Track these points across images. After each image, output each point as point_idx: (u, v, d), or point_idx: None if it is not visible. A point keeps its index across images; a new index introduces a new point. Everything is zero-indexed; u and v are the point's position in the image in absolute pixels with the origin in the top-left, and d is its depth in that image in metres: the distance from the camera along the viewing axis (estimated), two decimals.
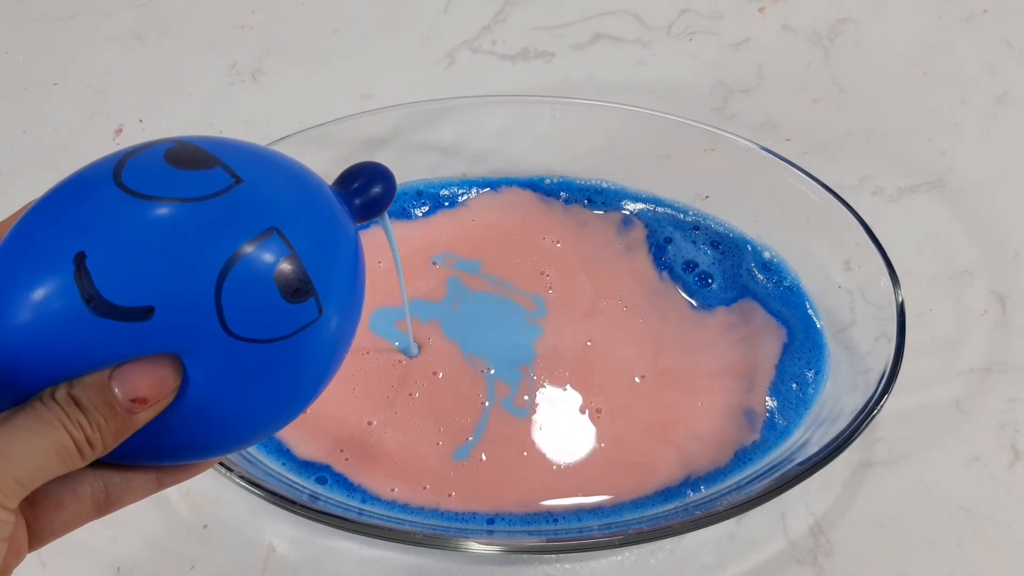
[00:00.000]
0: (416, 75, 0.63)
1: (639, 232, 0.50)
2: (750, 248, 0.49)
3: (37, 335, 0.21)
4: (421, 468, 0.41)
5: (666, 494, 0.41)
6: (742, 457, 0.42)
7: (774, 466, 0.40)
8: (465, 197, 0.52)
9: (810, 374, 0.44)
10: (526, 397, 0.44)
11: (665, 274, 0.49)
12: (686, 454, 0.42)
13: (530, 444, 0.42)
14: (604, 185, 0.52)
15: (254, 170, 0.24)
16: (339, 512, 0.38)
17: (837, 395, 0.42)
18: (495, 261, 0.50)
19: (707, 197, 0.51)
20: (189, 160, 0.23)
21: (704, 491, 0.40)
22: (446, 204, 0.52)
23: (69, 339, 0.21)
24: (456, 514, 0.40)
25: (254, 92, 0.62)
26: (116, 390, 0.22)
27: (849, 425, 0.38)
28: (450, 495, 0.41)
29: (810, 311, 0.46)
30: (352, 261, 0.26)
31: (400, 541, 0.37)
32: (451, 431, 0.42)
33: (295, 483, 0.40)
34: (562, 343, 0.46)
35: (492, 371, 0.45)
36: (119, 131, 0.60)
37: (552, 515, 0.40)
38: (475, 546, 0.36)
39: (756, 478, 0.40)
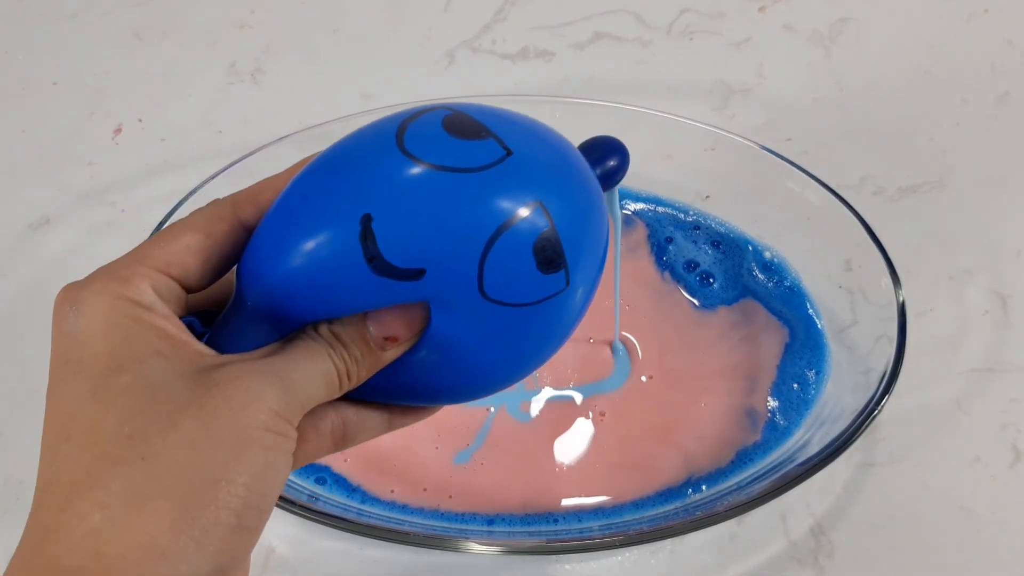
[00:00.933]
0: (416, 74, 0.63)
1: (640, 232, 0.50)
2: (751, 248, 0.49)
3: (317, 281, 0.23)
4: (420, 471, 0.41)
5: (667, 495, 0.40)
6: (743, 457, 0.41)
7: (775, 466, 0.40)
8: None
9: (811, 374, 0.44)
10: (530, 399, 0.44)
11: (667, 274, 0.49)
12: (688, 455, 0.42)
13: (533, 449, 0.42)
14: None
15: (523, 143, 0.25)
16: (338, 513, 0.38)
17: (838, 395, 0.42)
18: None
19: (707, 197, 0.51)
20: (465, 129, 0.25)
21: (705, 491, 0.40)
22: None
23: (346, 289, 0.23)
24: (456, 515, 0.40)
25: (254, 92, 0.62)
26: (371, 328, 0.24)
27: (850, 425, 0.38)
28: (449, 497, 0.40)
29: (811, 311, 0.46)
30: (601, 233, 0.27)
31: (400, 541, 0.37)
32: (451, 437, 0.42)
33: (295, 483, 0.40)
34: (568, 345, 0.46)
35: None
36: (118, 131, 0.60)
37: (552, 515, 0.40)
38: (475, 546, 0.36)
39: (757, 478, 0.40)
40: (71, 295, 0.23)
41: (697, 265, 0.49)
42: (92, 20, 0.68)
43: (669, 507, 0.40)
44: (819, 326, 0.46)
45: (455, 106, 0.26)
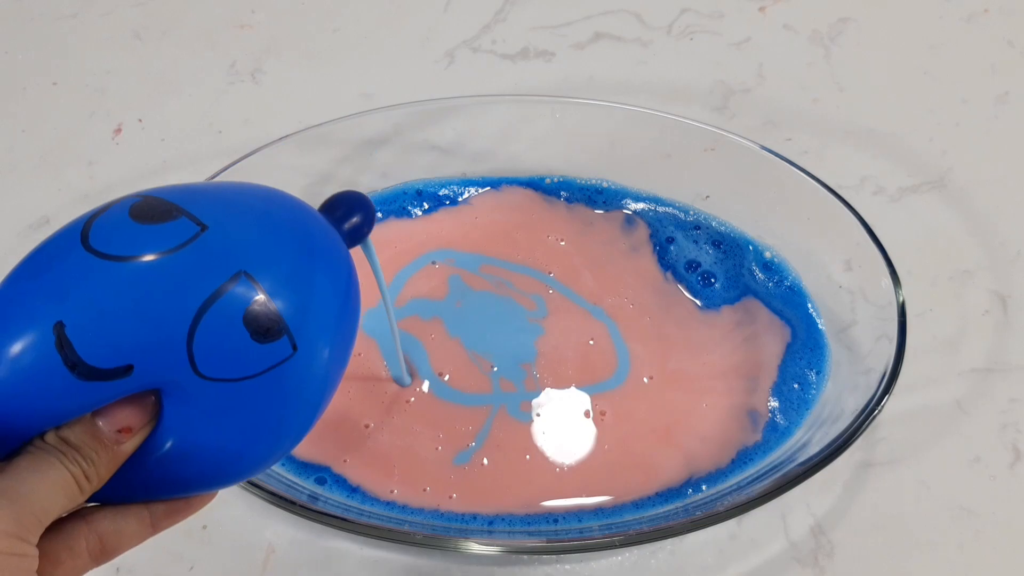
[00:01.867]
0: (416, 74, 0.63)
1: (642, 231, 0.50)
2: (751, 248, 0.49)
3: (25, 397, 0.22)
4: (421, 471, 0.41)
5: (667, 495, 0.40)
6: (743, 457, 0.41)
7: (775, 466, 0.40)
8: (466, 196, 0.52)
9: (812, 374, 0.44)
10: (530, 399, 0.44)
11: (669, 274, 0.49)
12: (689, 455, 0.42)
13: (533, 449, 0.42)
14: (604, 185, 0.52)
15: (220, 214, 0.25)
16: (339, 512, 0.38)
17: (838, 395, 0.42)
18: (497, 259, 0.50)
19: (708, 197, 0.51)
20: (153, 213, 0.24)
21: (705, 491, 0.40)
22: (447, 203, 0.52)
23: (55, 399, 0.23)
24: (456, 515, 0.40)
25: (253, 91, 0.62)
26: (101, 424, 0.23)
27: (850, 425, 0.38)
28: (451, 497, 0.40)
29: (811, 311, 0.46)
30: (336, 290, 0.27)
31: (400, 541, 0.37)
32: (451, 437, 0.42)
33: (295, 483, 0.40)
34: (565, 342, 0.46)
35: (495, 368, 0.45)
36: (118, 131, 0.60)
37: (552, 516, 0.40)
38: (475, 546, 0.36)
39: (757, 478, 0.40)
40: None
41: (698, 265, 0.49)
42: (92, 20, 0.68)
43: (669, 507, 0.40)
44: (819, 326, 0.46)
45: (148, 192, 0.25)
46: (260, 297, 0.24)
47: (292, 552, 0.41)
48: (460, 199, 0.52)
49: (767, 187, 0.48)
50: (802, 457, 0.39)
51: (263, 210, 0.26)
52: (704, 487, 0.41)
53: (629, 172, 0.52)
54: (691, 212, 0.51)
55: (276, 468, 0.41)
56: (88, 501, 0.25)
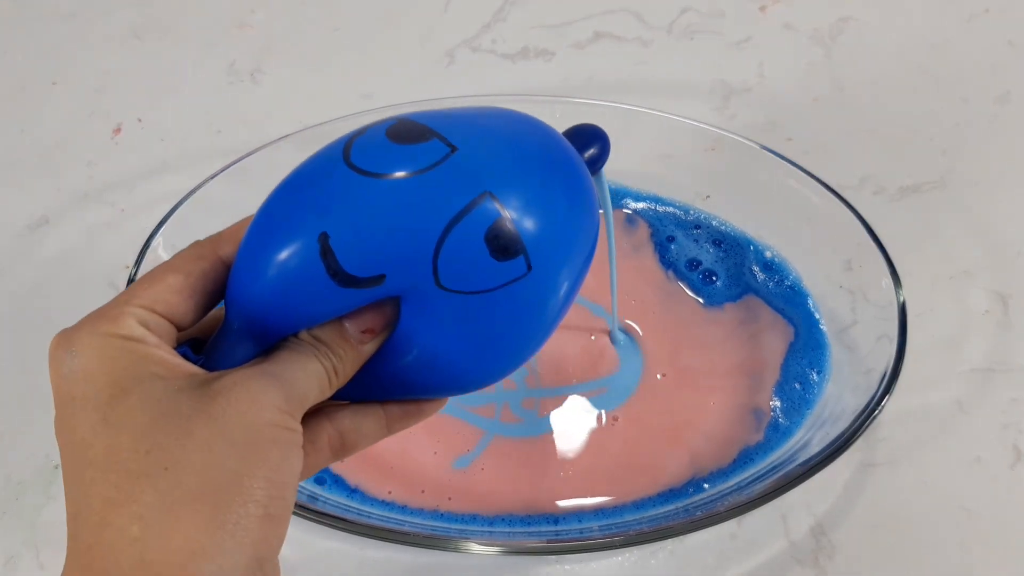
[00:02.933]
0: (416, 74, 0.63)
1: (643, 231, 0.50)
2: (752, 248, 0.49)
3: (291, 299, 0.25)
4: (419, 474, 0.41)
5: (667, 495, 0.40)
6: (744, 457, 0.41)
7: (775, 466, 0.40)
8: None
9: (813, 374, 0.44)
10: (532, 401, 0.44)
11: (671, 273, 0.49)
12: (695, 454, 0.42)
13: (535, 455, 0.42)
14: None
15: (470, 137, 0.26)
16: (338, 513, 0.38)
17: (838, 395, 0.42)
18: None
19: (708, 197, 0.51)
20: (408, 135, 0.26)
21: (706, 491, 0.40)
22: None
23: (317, 302, 0.25)
24: (456, 515, 0.40)
25: (253, 91, 0.62)
26: (348, 326, 0.26)
27: (850, 425, 0.38)
28: (448, 499, 0.40)
29: (812, 310, 0.46)
30: (575, 216, 0.28)
31: (400, 542, 0.37)
32: (450, 444, 0.42)
33: None
34: (568, 341, 0.46)
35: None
36: (117, 131, 0.60)
37: (553, 516, 0.40)
38: (475, 547, 0.36)
39: (757, 478, 0.40)
40: (64, 340, 0.24)
41: (699, 264, 0.49)
42: (91, 20, 0.68)
43: (670, 507, 0.40)
44: (820, 326, 0.45)
45: (405, 115, 0.27)
46: (501, 217, 0.25)
47: (292, 552, 0.41)
48: None
49: (767, 187, 0.48)
50: (802, 457, 0.39)
51: (511, 133, 0.28)
52: (705, 487, 0.40)
53: (629, 172, 0.52)
54: (691, 212, 0.51)
55: None
56: (332, 399, 0.27)
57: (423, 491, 0.41)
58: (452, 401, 0.43)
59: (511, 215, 0.25)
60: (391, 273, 0.25)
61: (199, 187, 0.46)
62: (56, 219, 0.55)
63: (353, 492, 0.40)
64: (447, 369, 0.27)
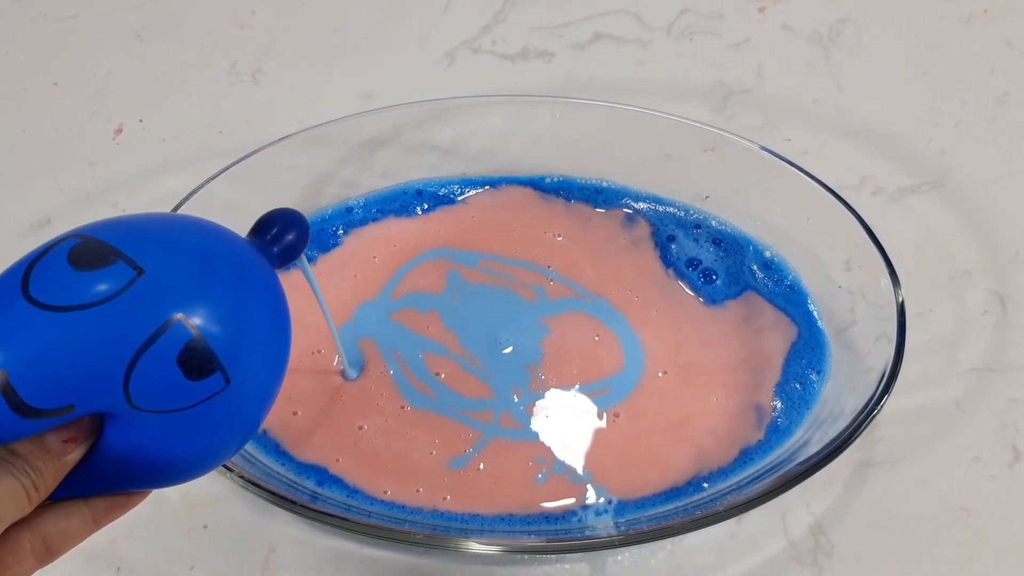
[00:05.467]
0: (416, 75, 0.63)
1: (643, 229, 0.50)
2: (751, 248, 0.49)
3: None
4: (414, 473, 0.41)
5: (667, 494, 0.40)
6: (745, 456, 0.42)
7: (774, 466, 0.40)
8: (465, 196, 0.52)
9: (812, 374, 0.44)
10: (534, 403, 0.44)
11: (671, 271, 0.49)
12: (700, 450, 0.42)
13: (535, 455, 0.42)
14: (604, 185, 0.52)
15: (155, 255, 0.26)
16: (339, 512, 0.38)
17: (837, 395, 0.42)
18: (496, 255, 0.50)
19: (707, 197, 0.51)
20: (91, 258, 0.25)
21: (706, 490, 0.40)
22: (447, 202, 0.52)
23: (5, 432, 0.24)
24: (456, 515, 0.40)
25: (254, 92, 0.62)
26: (49, 436, 0.25)
27: (849, 425, 0.38)
28: (445, 498, 0.40)
29: (812, 310, 0.46)
30: (268, 319, 0.28)
31: (400, 541, 0.37)
32: (448, 444, 0.42)
33: (295, 483, 0.40)
34: (568, 339, 0.46)
35: (495, 376, 0.44)
36: (119, 131, 0.60)
37: (553, 515, 0.40)
38: (475, 546, 0.36)
39: (756, 478, 0.40)
40: None
41: (699, 263, 0.49)
42: (93, 20, 0.68)
43: (669, 506, 0.40)
44: (820, 325, 0.46)
45: (85, 229, 0.26)
46: (193, 339, 0.25)
47: (292, 552, 0.41)
48: (459, 199, 0.52)
49: (767, 187, 0.48)
50: (802, 456, 0.39)
51: (197, 249, 0.27)
52: (705, 486, 0.41)
53: (629, 172, 0.52)
54: (691, 212, 0.51)
55: (277, 468, 0.41)
56: None
57: (419, 490, 0.41)
58: (452, 406, 0.43)
59: (203, 334, 0.25)
60: (80, 402, 0.24)
61: (200, 187, 0.47)
62: (58, 219, 0.55)
63: (353, 492, 0.41)
64: (153, 469, 0.27)
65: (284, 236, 0.31)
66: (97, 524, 0.28)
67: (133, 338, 0.24)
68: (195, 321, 0.25)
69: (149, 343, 0.24)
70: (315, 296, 0.39)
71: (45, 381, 0.24)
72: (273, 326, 0.28)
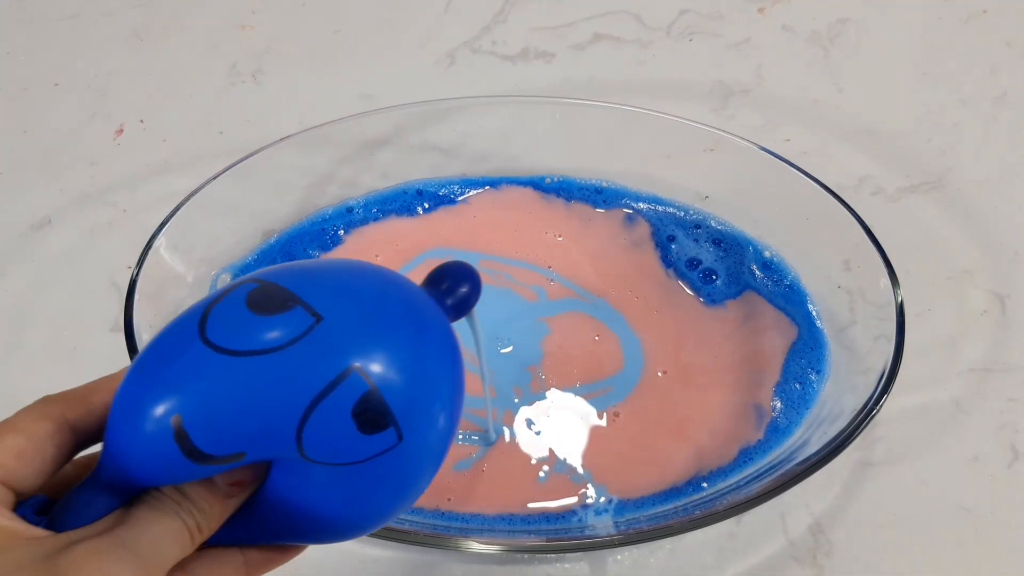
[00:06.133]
0: (416, 75, 0.63)
1: (644, 229, 0.51)
2: (751, 248, 0.49)
3: (145, 470, 0.24)
4: None
5: (667, 494, 0.41)
6: (745, 456, 0.42)
7: (774, 465, 0.40)
8: (466, 196, 0.53)
9: (812, 374, 0.44)
10: (535, 403, 0.44)
11: (671, 271, 0.49)
12: (700, 449, 0.42)
13: (537, 455, 0.42)
14: (604, 185, 0.52)
15: (333, 302, 0.25)
16: None
17: (837, 395, 0.42)
18: (496, 255, 0.50)
19: (707, 197, 0.51)
20: (269, 304, 0.24)
21: (705, 490, 0.40)
22: (447, 203, 0.52)
23: (173, 475, 0.24)
24: (456, 514, 0.40)
25: (254, 92, 0.62)
26: (216, 479, 0.25)
27: (849, 425, 0.38)
28: (448, 499, 0.40)
29: (811, 310, 0.46)
30: (444, 374, 0.27)
31: (400, 541, 0.37)
32: (452, 448, 0.42)
33: None
34: (569, 339, 0.46)
35: (496, 376, 0.45)
36: (119, 131, 0.60)
37: (553, 514, 0.40)
38: (475, 545, 0.36)
39: (756, 477, 0.40)
40: None
41: (700, 263, 0.49)
42: (94, 21, 0.68)
43: (669, 506, 0.40)
44: (819, 325, 0.46)
45: (266, 274, 0.26)
46: (370, 391, 0.24)
47: None
48: (460, 199, 0.52)
49: (766, 187, 0.48)
50: (801, 456, 0.39)
51: (375, 296, 0.26)
52: (704, 485, 0.41)
53: (629, 172, 0.52)
54: (691, 212, 0.51)
55: None
56: None
57: None
58: None
59: (379, 387, 0.24)
60: (251, 449, 0.24)
61: (201, 187, 0.47)
62: (59, 219, 0.55)
63: None
64: (312, 522, 0.26)
65: (458, 288, 0.30)
66: (248, 573, 0.27)
67: (310, 386, 0.23)
68: (372, 372, 0.24)
69: (326, 392, 0.24)
70: (476, 353, 0.37)
71: (219, 427, 0.23)
72: (449, 382, 0.27)
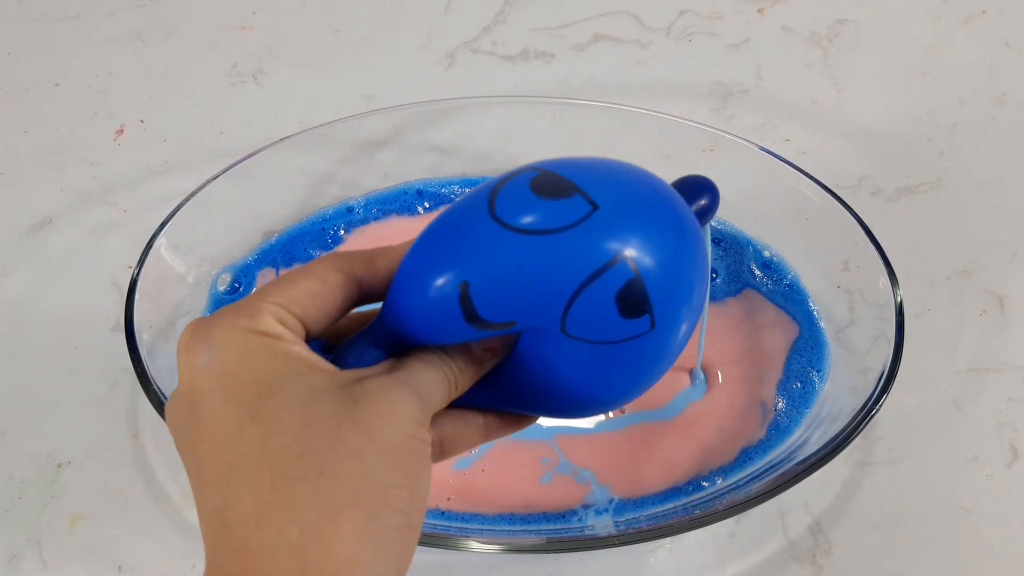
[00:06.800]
0: (416, 76, 0.63)
1: None
2: (751, 248, 0.49)
3: (429, 326, 0.27)
4: None
5: (667, 493, 0.41)
6: (745, 455, 0.42)
7: (773, 465, 0.40)
8: (466, 195, 0.53)
9: (812, 373, 0.44)
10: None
11: None
12: (706, 447, 0.42)
13: (538, 455, 0.42)
14: None
15: (611, 195, 0.27)
16: None
17: (836, 394, 0.42)
18: None
19: None
20: (552, 189, 0.26)
21: (705, 489, 0.40)
22: (447, 202, 0.52)
23: (451, 334, 0.27)
24: (456, 514, 0.40)
25: (255, 92, 0.62)
26: (472, 344, 0.28)
27: (848, 424, 0.38)
28: (448, 499, 0.41)
29: (811, 310, 0.46)
30: (696, 272, 0.28)
31: None
32: None
33: None
34: None
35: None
36: (120, 132, 0.60)
37: (553, 514, 0.40)
38: (475, 545, 0.36)
39: (755, 477, 0.40)
40: (201, 331, 0.25)
41: None
42: (94, 21, 0.68)
43: (668, 506, 0.40)
44: (819, 325, 0.46)
45: (546, 164, 0.28)
46: (634, 278, 0.26)
47: None
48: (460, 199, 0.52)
49: (766, 187, 0.48)
50: (800, 456, 0.39)
51: (646, 193, 0.28)
52: (704, 485, 0.41)
53: None
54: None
55: None
56: None
57: None
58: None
59: (643, 276, 0.26)
60: (522, 320, 0.26)
61: (201, 187, 0.47)
62: (59, 219, 0.55)
63: None
64: (555, 396, 0.29)
65: (698, 199, 0.32)
66: (486, 437, 0.29)
67: (583, 268, 0.25)
68: (638, 261, 0.26)
69: (596, 275, 0.25)
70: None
71: (499, 296, 0.26)
72: (698, 279, 0.29)
